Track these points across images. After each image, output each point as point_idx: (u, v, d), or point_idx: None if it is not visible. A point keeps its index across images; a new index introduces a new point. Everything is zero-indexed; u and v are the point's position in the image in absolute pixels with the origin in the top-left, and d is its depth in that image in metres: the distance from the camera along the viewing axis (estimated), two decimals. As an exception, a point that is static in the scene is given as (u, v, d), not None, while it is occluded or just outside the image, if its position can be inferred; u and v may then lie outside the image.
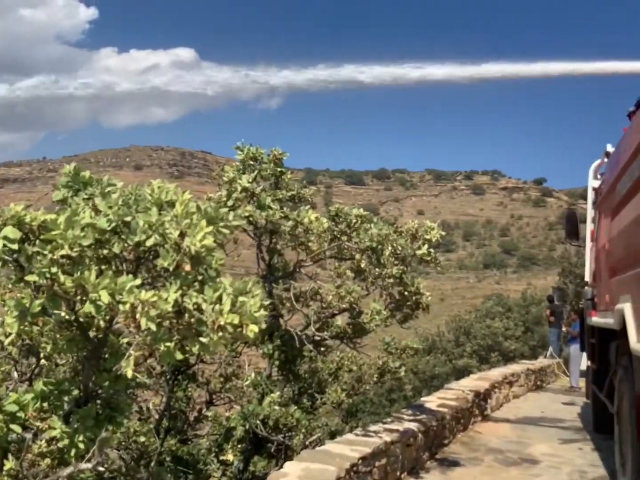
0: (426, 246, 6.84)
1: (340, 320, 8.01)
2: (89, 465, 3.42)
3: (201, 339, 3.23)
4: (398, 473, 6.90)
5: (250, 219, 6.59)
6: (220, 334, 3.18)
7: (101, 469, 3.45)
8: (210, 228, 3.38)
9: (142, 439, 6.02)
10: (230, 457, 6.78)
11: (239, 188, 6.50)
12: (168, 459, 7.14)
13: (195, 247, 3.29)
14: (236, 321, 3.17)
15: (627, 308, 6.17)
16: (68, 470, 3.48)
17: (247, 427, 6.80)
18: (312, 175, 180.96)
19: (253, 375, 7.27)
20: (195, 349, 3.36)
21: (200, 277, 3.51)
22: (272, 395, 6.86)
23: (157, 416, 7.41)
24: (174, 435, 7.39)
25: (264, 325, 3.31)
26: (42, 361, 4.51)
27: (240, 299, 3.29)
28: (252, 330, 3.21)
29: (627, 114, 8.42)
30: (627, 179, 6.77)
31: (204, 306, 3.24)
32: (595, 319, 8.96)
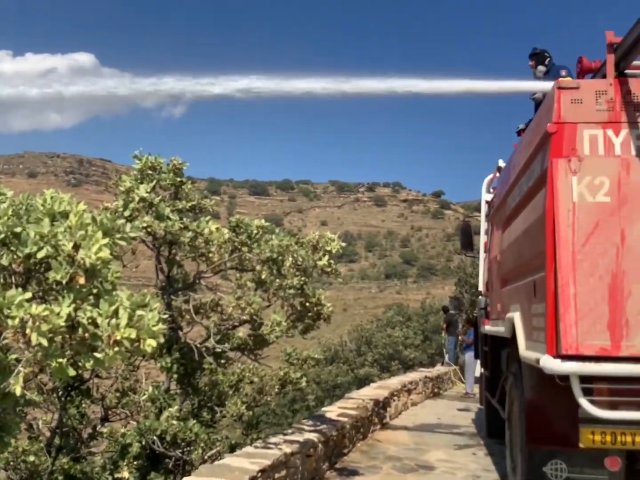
0: (327, 257, 6.92)
1: (242, 332, 7.98)
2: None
3: (96, 354, 3.14)
4: (298, 484, 6.92)
5: (149, 229, 6.45)
6: (117, 349, 3.10)
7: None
8: (106, 240, 3.29)
9: (32, 458, 5.76)
10: (125, 474, 6.57)
11: (137, 198, 6.35)
12: (60, 478, 6.86)
13: (90, 259, 3.20)
14: (133, 335, 3.10)
15: (516, 317, 6.46)
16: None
17: (143, 443, 6.63)
18: (216, 185, 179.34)
19: (150, 389, 7.10)
20: (89, 365, 3.26)
21: (95, 291, 3.41)
22: (170, 409, 6.72)
23: (48, 434, 7.11)
24: (66, 454, 7.10)
25: (162, 339, 3.26)
26: None
27: (138, 312, 3.22)
28: (149, 344, 3.15)
29: (516, 131, 8.85)
30: (516, 193, 7.10)
31: (99, 320, 3.14)
32: (488, 328, 9.32)
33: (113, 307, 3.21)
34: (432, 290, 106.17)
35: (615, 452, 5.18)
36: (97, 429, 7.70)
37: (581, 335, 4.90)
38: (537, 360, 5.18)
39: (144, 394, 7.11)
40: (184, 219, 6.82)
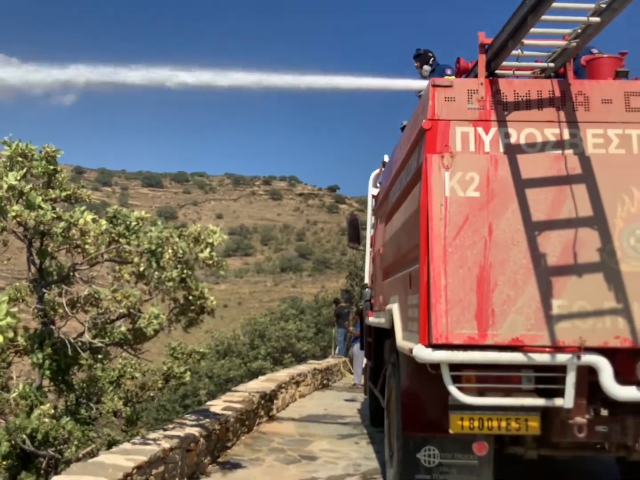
0: (209, 250, 6.82)
1: (123, 327, 7.75)
2: None
3: (-61, 349, 2.95)
4: (177, 479, 6.82)
5: (19, 219, 6.14)
6: (-37, 343, 2.92)
7: None
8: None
9: None
10: (-5, 476, 6.26)
11: (5, 186, 6.02)
12: None
13: None
14: (-21, 329, 2.93)
15: (395, 308, 6.63)
16: None
17: (13, 442, 6.32)
18: (107, 176, 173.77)
19: (21, 386, 6.77)
20: None
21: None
22: (41, 407, 6.43)
23: None
24: None
25: (11, 334, 3.09)
26: None
27: (-13, 305, 3.04)
28: (-2, 338, 2.98)
29: (400, 127, 9.06)
30: (396, 188, 7.28)
31: (-58, 314, 2.95)
32: (372, 319, 9.51)
33: (-39, 300, 3.02)
34: (326, 284, 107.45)
35: (482, 437, 5.41)
36: (-36, 429, 7.28)
37: (450, 324, 5.07)
38: (411, 350, 5.32)
39: (14, 392, 6.77)
40: (57, 209, 6.53)
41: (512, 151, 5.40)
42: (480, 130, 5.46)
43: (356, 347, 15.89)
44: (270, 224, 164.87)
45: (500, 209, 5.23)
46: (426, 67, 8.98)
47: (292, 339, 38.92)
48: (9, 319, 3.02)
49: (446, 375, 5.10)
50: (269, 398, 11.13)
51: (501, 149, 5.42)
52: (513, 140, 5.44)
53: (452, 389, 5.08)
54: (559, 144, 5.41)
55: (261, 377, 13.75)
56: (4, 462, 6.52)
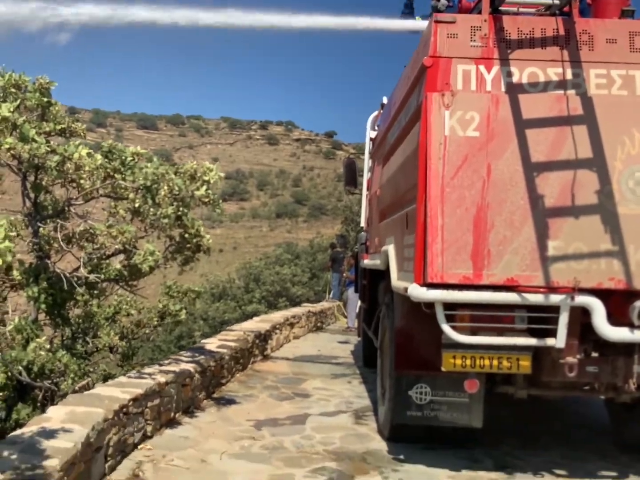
0: (205, 187, 6.77)
1: (118, 264, 7.75)
2: None
3: None
4: (172, 413, 6.93)
5: (13, 152, 6.06)
6: (-45, 267, 2.90)
7: None
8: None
9: None
10: (-10, 406, 6.36)
11: (-1, 117, 5.93)
12: None
13: None
14: (-23, 253, 2.91)
15: (390, 249, 6.64)
16: None
17: (9, 374, 6.39)
18: (101, 117, 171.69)
19: (17, 319, 6.81)
20: None
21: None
22: (37, 340, 6.48)
23: None
24: None
25: (9, 258, 3.08)
26: None
27: (-17, 229, 3.02)
28: (-6, 262, 2.97)
29: (404, 67, 8.93)
30: (395, 128, 7.20)
31: (-63, 238, 2.93)
32: (367, 262, 9.55)
33: (-44, 224, 3.00)
34: (322, 230, 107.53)
35: (473, 375, 5.49)
36: (-40, 362, 7.34)
37: (446, 264, 5.09)
38: (406, 289, 5.35)
39: (10, 325, 6.81)
40: (52, 143, 6.45)
41: (514, 90, 5.33)
42: (482, 68, 5.38)
43: (350, 291, 15.99)
44: (266, 169, 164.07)
45: (500, 149, 5.19)
46: (443, 1, 8.76)
47: (287, 284, 39.14)
48: (7, 243, 3.00)
49: (440, 314, 5.15)
50: (263, 338, 11.25)
51: (503, 88, 5.35)
52: (515, 79, 5.37)
53: (446, 328, 5.14)
54: (562, 84, 5.34)
55: (256, 318, 13.86)
56: (0, 394, 6.60)
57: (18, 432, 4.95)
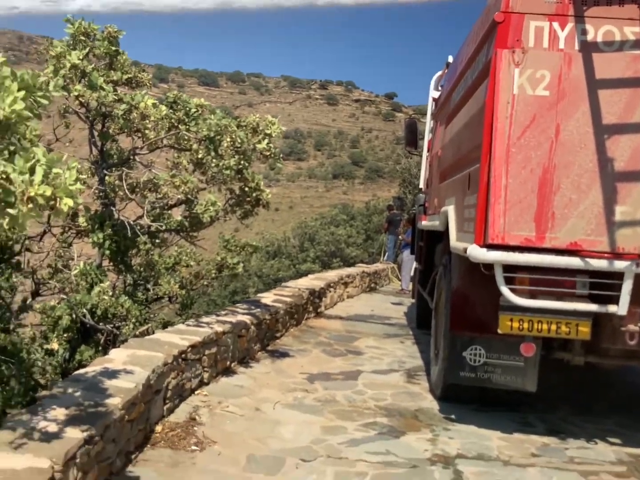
0: (266, 141, 6.79)
1: (179, 216, 7.90)
2: None
3: (9, 210, 3.03)
4: (228, 362, 7.09)
5: (81, 99, 6.18)
6: (30, 205, 2.99)
7: None
8: (22, 93, 3.12)
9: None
10: (55, 345, 6.60)
11: (68, 65, 6.03)
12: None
13: (4, 112, 3.04)
14: (48, 193, 2.99)
15: (450, 210, 6.57)
16: None
17: (73, 316, 6.63)
18: (164, 73, 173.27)
19: (82, 264, 7.03)
20: (5, 223, 3.17)
21: (12, 148, 3.26)
22: (101, 285, 6.69)
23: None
24: (-5, 325, 7.08)
25: (80, 200, 3.16)
26: None
27: (55, 170, 3.10)
28: (66, 203, 3.05)
29: (473, 23, 8.70)
30: (461, 87, 7.06)
31: (12, 176, 3.02)
32: (424, 223, 9.49)
33: (29, 164, 3.08)
34: (378, 193, 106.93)
35: (530, 339, 5.44)
36: (28, 302, 7.65)
37: (508, 225, 5.01)
38: (465, 250, 5.30)
39: (76, 269, 7.04)
40: (119, 91, 6.55)
41: (588, 49, 5.13)
42: (555, 25, 5.19)
43: (405, 253, 15.94)
44: (324, 129, 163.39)
45: (570, 109, 5.03)
46: None
47: (342, 244, 39.18)
48: (78, 184, 3.08)
49: (499, 276, 5.09)
50: (317, 295, 11.34)
51: (576, 47, 5.15)
52: (590, 37, 5.16)
53: (505, 290, 5.08)
54: (638, 44, 5.12)
55: (310, 276, 13.98)
56: (65, 335, 6.85)
57: (82, 371, 5.14)
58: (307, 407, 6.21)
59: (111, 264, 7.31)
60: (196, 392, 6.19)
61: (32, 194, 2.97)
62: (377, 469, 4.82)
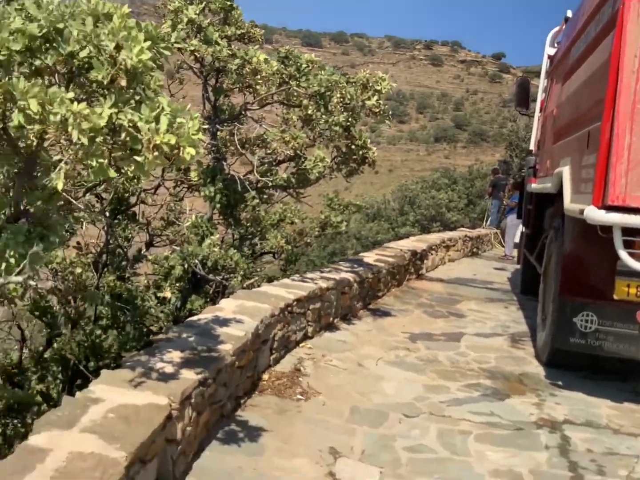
0: (376, 97, 6.72)
1: (285, 173, 7.99)
2: (20, 279, 3.40)
3: (136, 157, 3.15)
4: (331, 318, 7.18)
5: (196, 54, 6.31)
6: (156, 153, 3.10)
7: (32, 282, 3.44)
8: (148, 43, 3.21)
9: (79, 270, 6.03)
10: (168, 294, 6.89)
11: (185, 20, 6.16)
12: (106, 296, 7.21)
13: (131, 61, 3.14)
14: (172, 141, 3.08)
15: (565, 171, 6.32)
16: (-2, 282, 3.47)
17: (185, 266, 6.88)
18: (268, 33, 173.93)
19: (194, 217, 7.27)
20: (130, 169, 3.30)
21: (137, 97, 3.38)
22: (211, 237, 6.90)
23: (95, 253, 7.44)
24: (112, 272, 7.45)
25: (202, 150, 3.25)
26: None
27: (178, 120, 3.19)
28: (189, 152, 3.13)
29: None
30: (581, 42, 6.71)
31: (139, 124, 3.13)
32: (534, 186, 9.19)
33: (154, 113, 3.18)
34: (481, 157, 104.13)
35: (647, 307, 5.20)
36: (142, 252, 8.00)
37: (630, 186, 4.77)
38: (581, 212, 5.09)
39: (188, 221, 7.29)
40: (233, 47, 6.64)
41: None
42: (689, -28, 4.83)
43: (510, 218, 15.51)
44: (427, 91, 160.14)
45: None
46: None
47: (442, 209, 38.52)
48: (200, 135, 3.16)
49: (618, 239, 4.87)
50: (419, 257, 11.25)
51: None
52: None
53: (623, 254, 4.86)
54: None
55: (412, 238, 13.87)
56: (177, 284, 7.14)
57: (194, 318, 5.35)
58: (409, 365, 6.22)
59: (221, 217, 7.50)
60: (300, 345, 6.33)
61: (158, 142, 3.07)
62: (480, 429, 4.79)
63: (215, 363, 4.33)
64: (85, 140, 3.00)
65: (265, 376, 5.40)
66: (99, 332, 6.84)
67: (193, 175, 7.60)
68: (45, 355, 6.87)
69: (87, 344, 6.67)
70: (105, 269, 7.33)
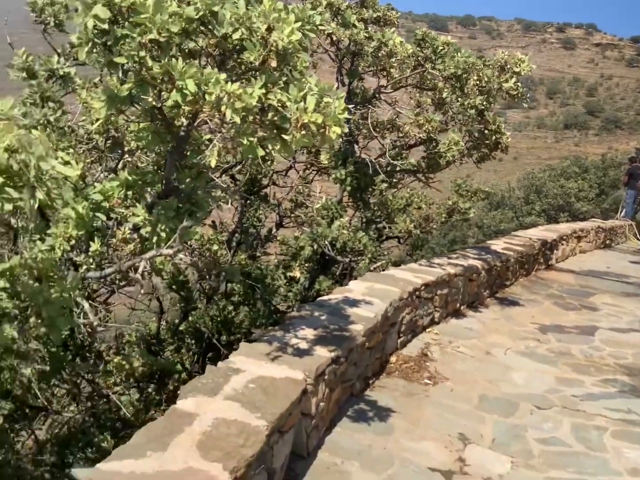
0: (514, 79, 6.51)
1: (414, 159, 7.93)
2: (170, 252, 3.59)
3: (284, 136, 3.24)
4: (458, 305, 7.10)
5: (334, 37, 6.36)
6: (303, 132, 3.17)
7: (181, 255, 3.63)
8: (299, 24, 3.28)
9: (215, 247, 6.27)
10: (297, 273, 7.03)
11: (324, 2, 6.22)
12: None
13: (282, 42, 3.22)
14: (319, 121, 3.14)
15: None
16: (150, 254, 3.68)
17: (315, 247, 7.00)
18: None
19: (324, 199, 7.38)
20: (277, 148, 3.39)
21: (284, 78, 3.47)
22: (341, 219, 6.98)
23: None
24: (244, 251, 7.70)
25: (346, 129, 3.28)
26: (126, 157, 4.66)
27: (325, 99, 3.24)
28: (334, 131, 3.18)
29: None
30: None
31: (288, 104, 3.21)
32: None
33: (302, 93, 3.25)
34: (614, 145, 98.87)
35: None
36: (272, 232, 8.22)
37: None
38: None
39: (318, 203, 7.40)
40: (369, 29, 6.64)
41: None
42: None
43: (647, 209, 14.66)
44: (558, 76, 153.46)
45: None
46: None
47: (571, 198, 36.96)
48: (345, 114, 3.20)
49: None
50: (549, 247, 10.87)
51: None
52: None
53: None
54: None
55: (540, 227, 13.42)
56: (306, 265, 7.28)
57: (325, 297, 5.45)
58: (540, 356, 6.05)
59: (350, 200, 7.57)
60: (427, 330, 6.31)
61: (306, 120, 3.14)
62: (617, 426, 4.60)
63: (347, 342, 4.40)
64: (237, 119, 3.12)
65: (393, 359, 5.42)
66: (230, 307, 7.11)
67: (323, 158, 7.70)
68: (181, 328, 7.22)
69: (220, 318, 6.96)
70: (238, 248, 7.58)
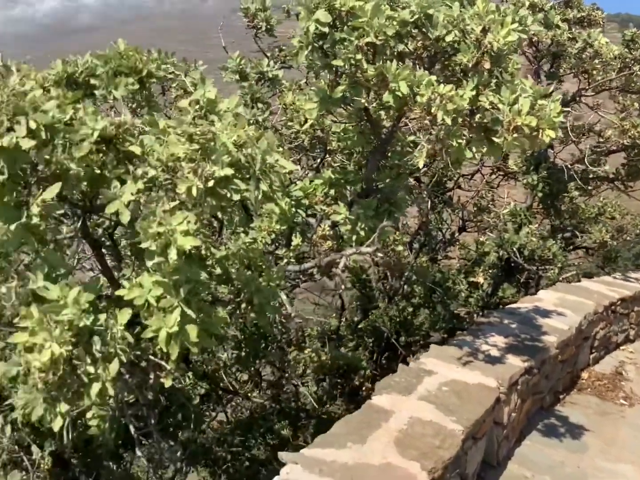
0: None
1: (608, 166, 7.49)
2: (369, 250, 3.66)
3: (494, 138, 3.19)
4: (656, 323, 6.61)
5: (533, 38, 6.16)
6: (515, 135, 3.10)
7: (380, 254, 3.68)
8: (515, 25, 3.22)
9: (400, 248, 6.29)
10: (481, 279, 6.88)
11: (527, 3, 6.02)
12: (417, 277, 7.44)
13: (497, 43, 3.17)
14: (533, 124, 3.05)
15: None
16: (350, 251, 3.76)
17: (500, 254, 6.83)
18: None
19: (512, 204, 7.17)
20: (483, 151, 3.35)
21: (495, 80, 3.41)
22: (530, 226, 6.75)
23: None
24: (425, 253, 7.67)
25: (560, 133, 3.17)
26: (327, 157, 4.81)
27: (539, 102, 3.15)
28: (548, 135, 3.08)
29: None
30: None
31: (500, 106, 3.16)
32: None
33: (514, 95, 3.18)
34: None
35: None
36: (455, 236, 8.10)
37: None
38: None
39: (506, 209, 7.21)
40: (572, 30, 6.36)
41: None
42: None
43: None
44: None
45: None
46: None
47: None
48: (561, 117, 3.10)
49: None
50: None
51: None
52: None
53: None
54: None
55: None
56: (490, 271, 7.12)
57: (514, 305, 5.32)
58: None
59: (539, 207, 7.30)
60: (621, 348, 5.95)
61: (519, 123, 3.06)
62: None
63: (540, 353, 4.26)
64: (449, 121, 3.11)
65: (584, 375, 5.17)
66: (410, 309, 7.11)
67: (511, 163, 7.49)
68: (360, 326, 7.34)
69: (399, 319, 6.99)
70: (421, 250, 7.58)
